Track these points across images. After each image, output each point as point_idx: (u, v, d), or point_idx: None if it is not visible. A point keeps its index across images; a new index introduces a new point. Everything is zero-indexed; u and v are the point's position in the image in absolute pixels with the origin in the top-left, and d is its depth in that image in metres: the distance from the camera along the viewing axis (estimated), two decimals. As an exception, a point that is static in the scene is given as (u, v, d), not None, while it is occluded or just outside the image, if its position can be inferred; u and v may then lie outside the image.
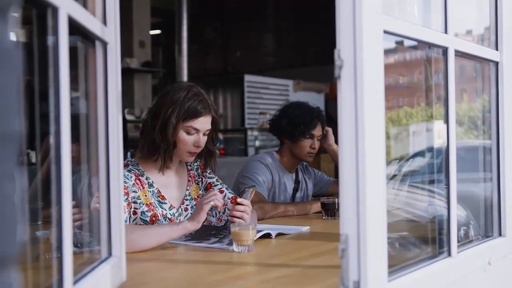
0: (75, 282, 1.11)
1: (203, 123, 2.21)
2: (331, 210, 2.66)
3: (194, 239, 2.05)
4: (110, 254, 1.39)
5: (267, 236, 2.12)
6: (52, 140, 1.04)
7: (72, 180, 1.06)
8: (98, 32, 1.29)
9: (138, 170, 2.21)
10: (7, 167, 0.58)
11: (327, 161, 6.62)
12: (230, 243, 1.91)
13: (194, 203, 2.34)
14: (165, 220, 2.21)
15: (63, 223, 1.02)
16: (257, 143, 7.61)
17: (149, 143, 2.21)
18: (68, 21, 1.05)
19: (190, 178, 2.38)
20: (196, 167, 2.43)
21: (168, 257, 1.85)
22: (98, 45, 1.35)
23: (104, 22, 1.37)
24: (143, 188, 2.19)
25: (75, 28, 1.12)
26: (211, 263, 1.76)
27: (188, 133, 2.20)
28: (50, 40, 1.03)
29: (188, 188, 2.36)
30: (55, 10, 1.00)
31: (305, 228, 2.36)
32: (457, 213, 1.58)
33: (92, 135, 1.38)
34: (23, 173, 0.63)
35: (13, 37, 0.60)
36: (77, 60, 1.33)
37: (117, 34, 1.41)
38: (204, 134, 2.24)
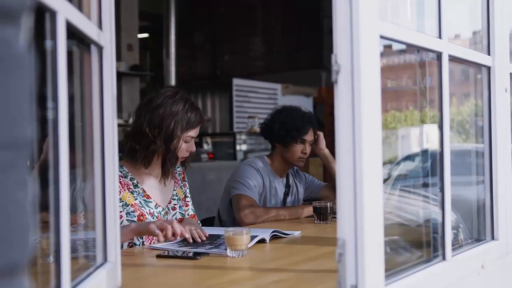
0: (72, 288, 1.10)
1: (198, 130, 2.35)
2: (323, 214, 2.66)
3: (189, 245, 2.04)
4: (105, 259, 1.38)
5: (261, 240, 2.11)
6: (46, 144, 1.03)
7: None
8: (94, 36, 1.29)
9: (121, 172, 2.24)
10: (20, 174, 0.58)
11: (315, 165, 6.63)
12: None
13: (181, 203, 2.44)
14: (152, 218, 2.27)
15: (61, 228, 1.01)
16: (246, 147, 7.60)
17: (151, 153, 2.26)
18: (66, 25, 1.04)
19: (176, 180, 2.47)
20: (178, 172, 2.51)
21: (162, 263, 1.84)
22: (93, 49, 1.34)
23: (100, 26, 1.36)
24: (125, 190, 2.24)
25: (71, 32, 1.12)
26: (206, 268, 1.75)
27: (186, 141, 2.31)
28: (48, 44, 1.02)
29: (175, 188, 2.44)
30: (53, 14, 0.99)
31: (297, 233, 2.36)
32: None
33: (87, 139, 1.37)
34: (33, 179, 0.63)
35: (25, 42, 0.60)
36: (72, 64, 1.32)
37: (112, 38, 1.40)
38: (195, 140, 2.36)
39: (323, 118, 7.69)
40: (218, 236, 2.19)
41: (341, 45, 1.19)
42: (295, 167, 3.20)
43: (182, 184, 2.50)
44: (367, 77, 1.18)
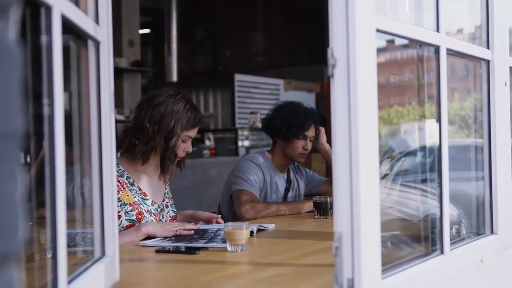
0: (69, 282, 1.10)
1: (196, 131, 2.38)
2: (323, 209, 2.66)
3: (181, 241, 2.03)
4: (103, 254, 1.38)
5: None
6: (45, 140, 1.03)
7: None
8: (90, 31, 1.29)
9: (118, 171, 2.25)
10: (9, 165, 0.58)
11: (317, 160, 6.63)
12: (224, 241, 1.91)
13: (172, 202, 2.49)
14: (150, 216, 2.29)
15: (57, 223, 1.02)
16: (248, 143, 7.59)
17: (150, 149, 2.28)
18: (61, 20, 1.04)
19: (166, 180, 2.50)
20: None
21: (161, 257, 1.84)
22: (90, 44, 1.34)
23: (97, 21, 1.36)
24: (124, 189, 2.26)
25: (67, 27, 1.12)
26: (205, 263, 1.75)
27: (184, 141, 2.33)
28: (43, 39, 1.02)
29: (166, 187, 2.48)
30: (48, 9, 1.00)
31: (272, 226, 2.39)
32: (449, 212, 1.58)
33: (84, 135, 1.38)
34: (23, 171, 0.63)
35: (14, 35, 0.60)
36: (69, 59, 1.32)
37: (109, 33, 1.41)
38: (193, 140, 2.39)
39: (326, 114, 7.67)
40: (206, 231, 2.20)
41: (337, 39, 1.19)
42: (296, 163, 3.20)
43: (168, 184, 2.55)
44: (363, 71, 1.18)
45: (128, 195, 2.26)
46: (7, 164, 0.58)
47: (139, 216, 2.25)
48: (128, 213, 2.23)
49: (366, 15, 1.20)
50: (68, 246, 1.14)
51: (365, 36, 1.19)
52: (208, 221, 2.44)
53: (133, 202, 2.25)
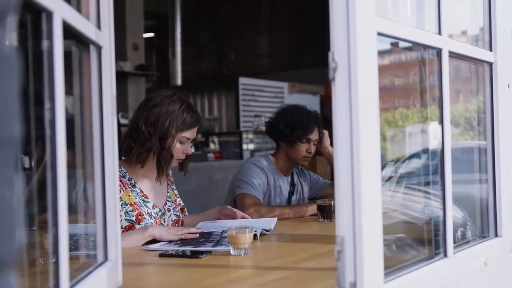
0: (71, 287, 1.11)
1: (194, 132, 2.37)
2: (327, 212, 2.66)
3: (187, 245, 2.03)
4: (106, 258, 1.38)
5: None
6: (47, 145, 1.04)
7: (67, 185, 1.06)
8: (92, 36, 1.29)
9: (120, 172, 2.26)
10: (6, 171, 0.59)
11: (323, 163, 6.62)
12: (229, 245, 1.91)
13: (174, 205, 2.48)
14: (150, 218, 2.30)
15: (59, 228, 1.02)
16: (253, 146, 7.59)
17: (146, 151, 2.28)
18: (63, 25, 1.05)
19: (169, 183, 2.50)
20: (170, 174, 2.56)
21: (164, 262, 1.84)
22: (92, 49, 1.35)
23: (98, 26, 1.36)
24: (126, 189, 2.28)
25: (69, 32, 1.12)
26: (208, 267, 1.75)
27: (181, 142, 2.33)
28: (44, 44, 1.02)
29: (168, 191, 2.48)
30: (49, 14, 1.00)
31: (274, 220, 2.43)
32: (454, 214, 1.58)
33: (87, 140, 1.38)
34: (21, 177, 0.64)
35: (11, 42, 0.60)
36: (71, 64, 1.32)
37: (111, 38, 1.41)
38: (191, 142, 2.38)
39: (330, 116, 7.65)
40: (211, 234, 2.20)
41: (338, 42, 1.19)
42: (300, 166, 3.20)
43: (173, 187, 2.54)
44: (364, 74, 1.18)
45: (129, 195, 2.27)
46: (5, 170, 0.58)
47: (139, 217, 2.25)
48: (128, 213, 2.23)
49: (366, 18, 1.20)
50: (70, 249, 1.14)
51: (366, 39, 1.19)
52: (232, 217, 2.47)
53: (134, 203, 2.26)
